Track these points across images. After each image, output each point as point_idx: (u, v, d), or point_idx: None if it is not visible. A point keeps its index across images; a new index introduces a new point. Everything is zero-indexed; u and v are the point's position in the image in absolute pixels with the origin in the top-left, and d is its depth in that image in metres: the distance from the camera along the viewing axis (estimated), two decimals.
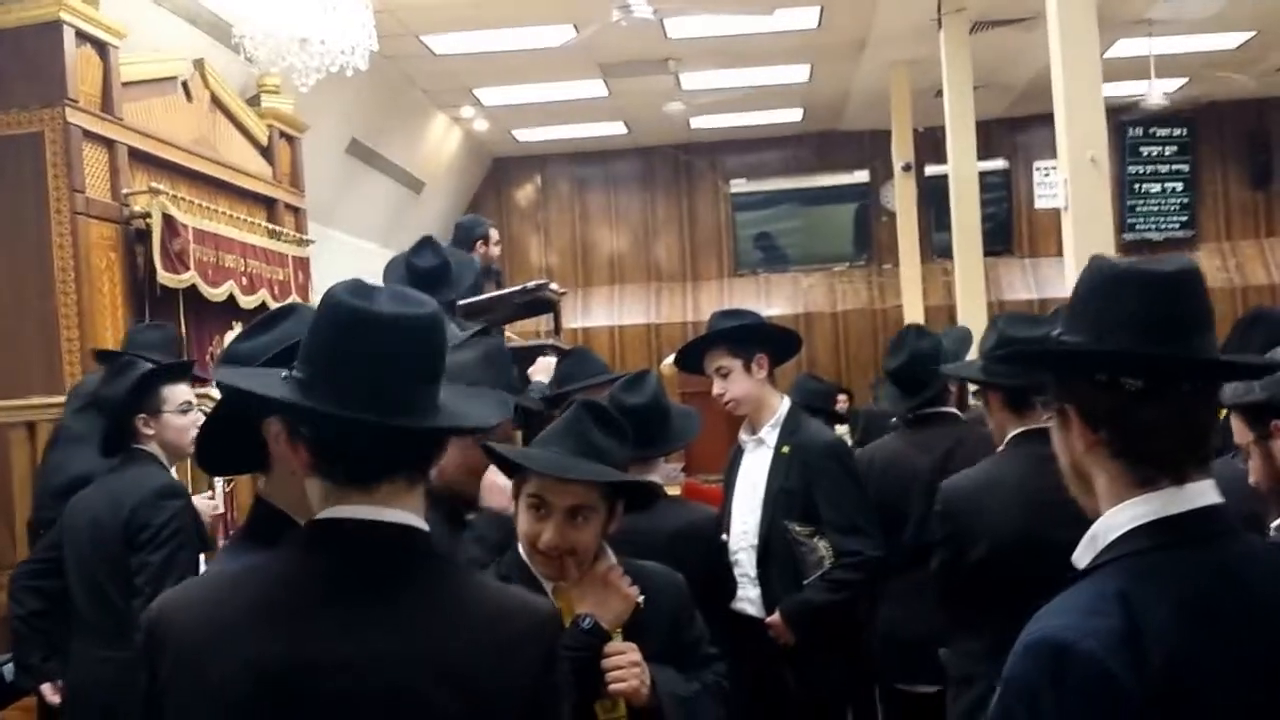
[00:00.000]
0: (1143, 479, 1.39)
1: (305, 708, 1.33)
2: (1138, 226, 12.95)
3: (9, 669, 3.92)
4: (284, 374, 1.44)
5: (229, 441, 1.82)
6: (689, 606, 2.38)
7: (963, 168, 8.62)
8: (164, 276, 5.58)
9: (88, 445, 3.68)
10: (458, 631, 1.38)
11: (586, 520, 2.16)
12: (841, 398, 10.31)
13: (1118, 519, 1.40)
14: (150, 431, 3.48)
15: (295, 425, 1.43)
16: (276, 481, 1.82)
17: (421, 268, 4.75)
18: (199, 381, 3.87)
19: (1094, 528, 1.43)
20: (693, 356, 3.62)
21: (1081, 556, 1.43)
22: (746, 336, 3.53)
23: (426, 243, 4.94)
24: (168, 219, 5.61)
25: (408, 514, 1.42)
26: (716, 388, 3.54)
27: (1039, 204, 12.30)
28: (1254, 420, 2.21)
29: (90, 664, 3.42)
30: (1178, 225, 13.05)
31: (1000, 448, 3.07)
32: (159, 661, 1.40)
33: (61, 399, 4.37)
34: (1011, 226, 12.94)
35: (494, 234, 6.38)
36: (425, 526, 1.44)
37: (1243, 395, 2.18)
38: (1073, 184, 5.57)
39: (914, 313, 10.67)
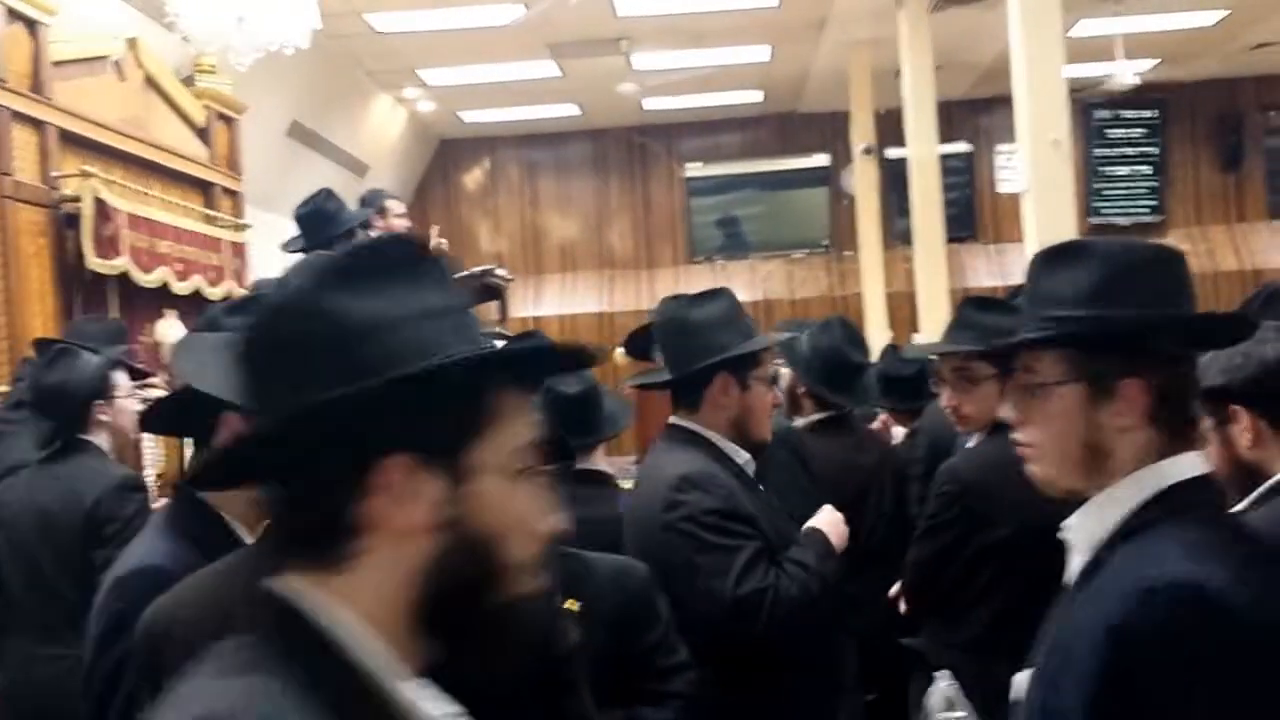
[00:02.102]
0: (1180, 445, 1.51)
1: None
2: (1104, 211, 13.14)
3: None
4: None
5: (181, 410, 1.90)
6: (649, 604, 2.27)
7: (923, 151, 8.75)
8: (95, 262, 5.58)
9: (17, 436, 3.71)
10: None
11: None
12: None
13: (1171, 470, 1.49)
14: (105, 418, 3.52)
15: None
16: None
17: (301, 214, 4.97)
18: (134, 373, 3.89)
19: (1122, 486, 1.50)
20: (642, 343, 3.69)
21: (1082, 528, 1.52)
22: None
23: (319, 192, 5.05)
24: (99, 203, 5.61)
25: None
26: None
27: (1001, 188, 12.49)
28: (1212, 405, 2.19)
29: (31, 662, 3.42)
30: (1146, 210, 13.24)
31: (984, 433, 3.07)
32: (162, 669, 1.41)
33: None
34: (975, 211, 13.12)
35: (394, 205, 6.14)
36: None
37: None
38: (1033, 167, 5.70)
39: (874, 300, 10.82)
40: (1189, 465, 1.50)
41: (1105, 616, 1.38)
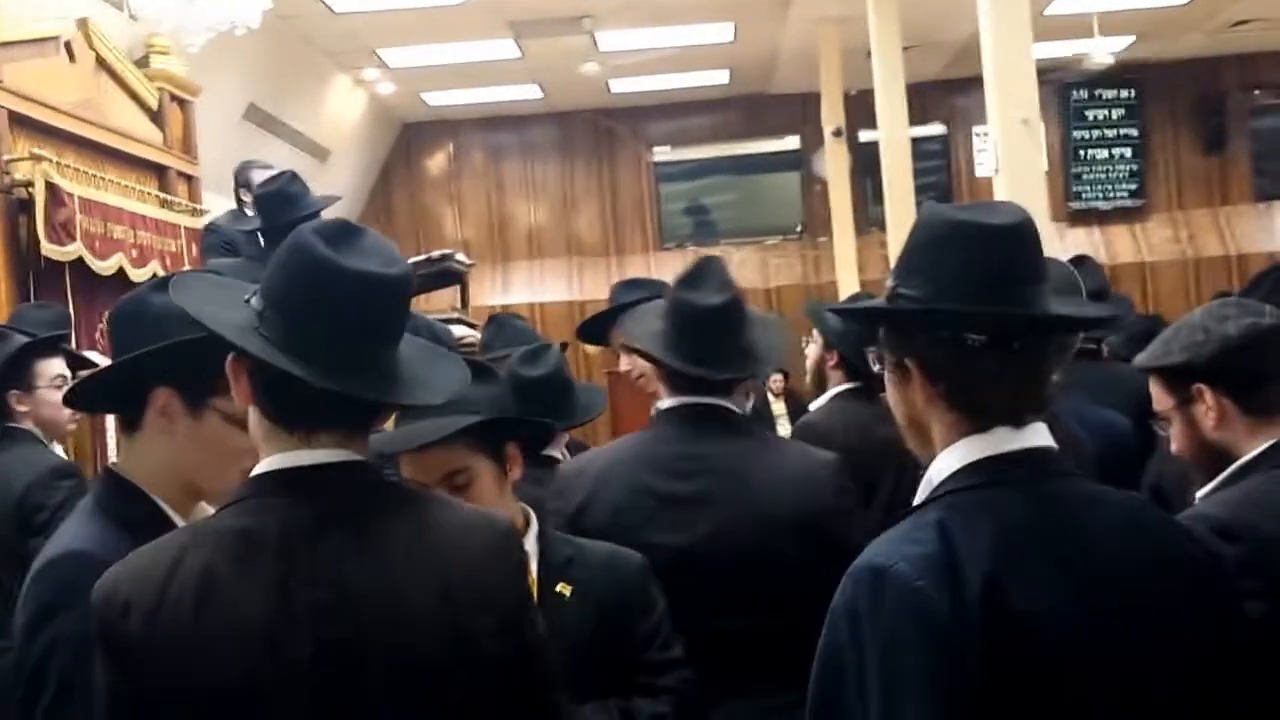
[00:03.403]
0: (980, 426, 1.52)
1: (315, 651, 1.44)
2: (1084, 195, 13.25)
3: None
4: (246, 298, 1.55)
5: (111, 387, 1.94)
6: (642, 592, 2.26)
7: (894, 133, 8.82)
8: (48, 249, 5.61)
9: None
10: (442, 552, 1.51)
11: (471, 481, 2.09)
12: (776, 378, 10.54)
13: (950, 459, 1.54)
14: (24, 408, 3.53)
15: (241, 358, 1.54)
16: (137, 449, 1.90)
17: (264, 192, 4.99)
18: (80, 362, 3.90)
19: (929, 471, 1.57)
20: (597, 330, 3.76)
21: (918, 498, 1.57)
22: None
23: (280, 174, 5.10)
24: (51, 188, 5.64)
25: (348, 452, 1.53)
26: (624, 363, 3.62)
27: (978, 171, 12.61)
28: (1174, 384, 2.19)
29: None
30: (1127, 194, 13.32)
31: None
32: (124, 643, 1.46)
33: None
34: (952, 196, 13.19)
35: (259, 173, 5.87)
36: (364, 458, 1.56)
37: (1161, 357, 2.19)
38: (1004, 148, 5.77)
39: (849, 288, 10.87)
40: (996, 441, 1.51)
41: (834, 597, 1.48)
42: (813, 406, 3.97)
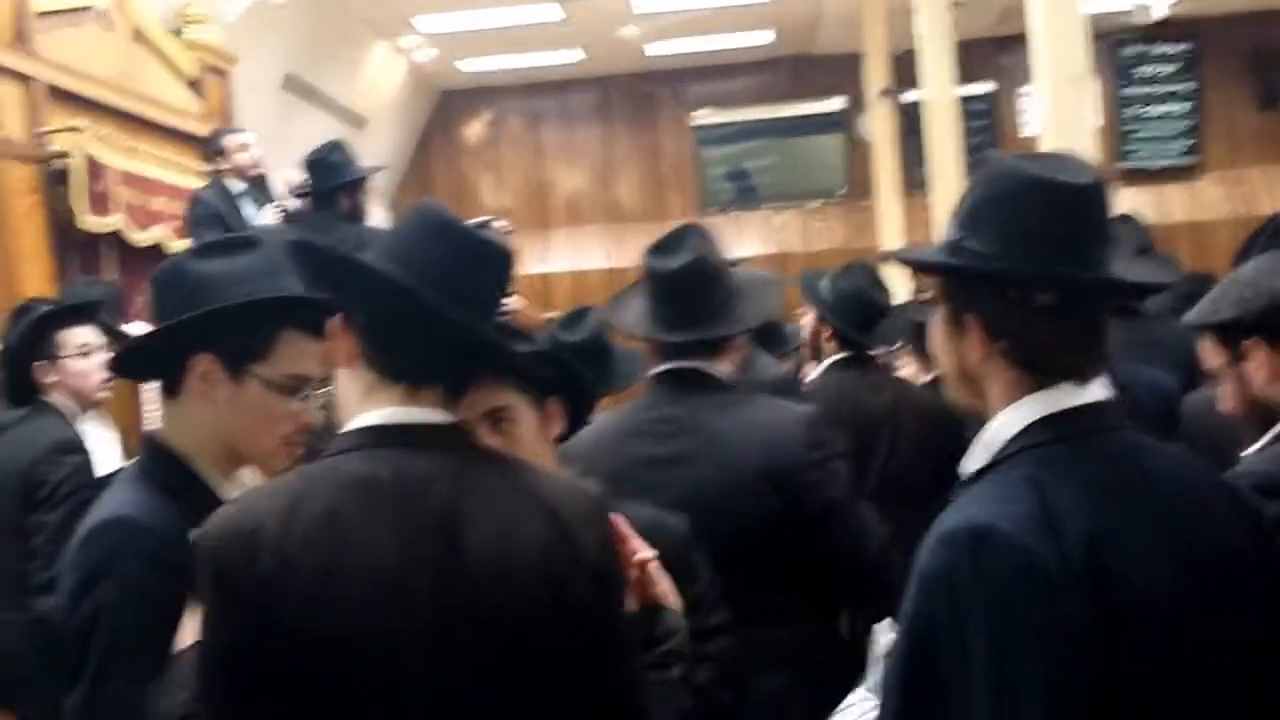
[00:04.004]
0: (1043, 383, 1.52)
1: (435, 597, 1.49)
2: (1136, 154, 13.08)
3: None
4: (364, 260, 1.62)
5: (151, 354, 1.96)
6: (685, 559, 2.26)
7: (939, 93, 8.72)
8: (88, 221, 5.69)
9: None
10: (542, 511, 1.57)
11: (514, 423, 2.04)
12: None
13: (1014, 416, 1.53)
14: (52, 379, 3.56)
15: (350, 315, 1.61)
16: (178, 416, 1.92)
17: (317, 156, 5.14)
18: (113, 334, 3.89)
19: (987, 431, 1.56)
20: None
21: (974, 461, 1.56)
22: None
23: (331, 142, 5.22)
24: (90, 159, 5.71)
25: (449, 414, 1.62)
26: None
27: (1024, 131, 12.47)
28: (1225, 341, 2.19)
29: None
30: (1180, 152, 13.13)
31: None
32: (248, 587, 1.48)
33: None
34: None
35: (233, 140, 6.03)
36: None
37: (1210, 314, 2.19)
38: (1051, 106, 5.70)
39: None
40: (1062, 396, 1.52)
41: (919, 562, 1.47)
42: (808, 378, 3.99)
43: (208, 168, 6.03)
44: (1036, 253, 1.49)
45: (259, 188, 5.98)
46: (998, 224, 1.52)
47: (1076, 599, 1.38)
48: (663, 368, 2.70)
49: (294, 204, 5.87)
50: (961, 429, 3.81)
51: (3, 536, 3.46)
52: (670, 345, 2.67)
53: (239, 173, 5.89)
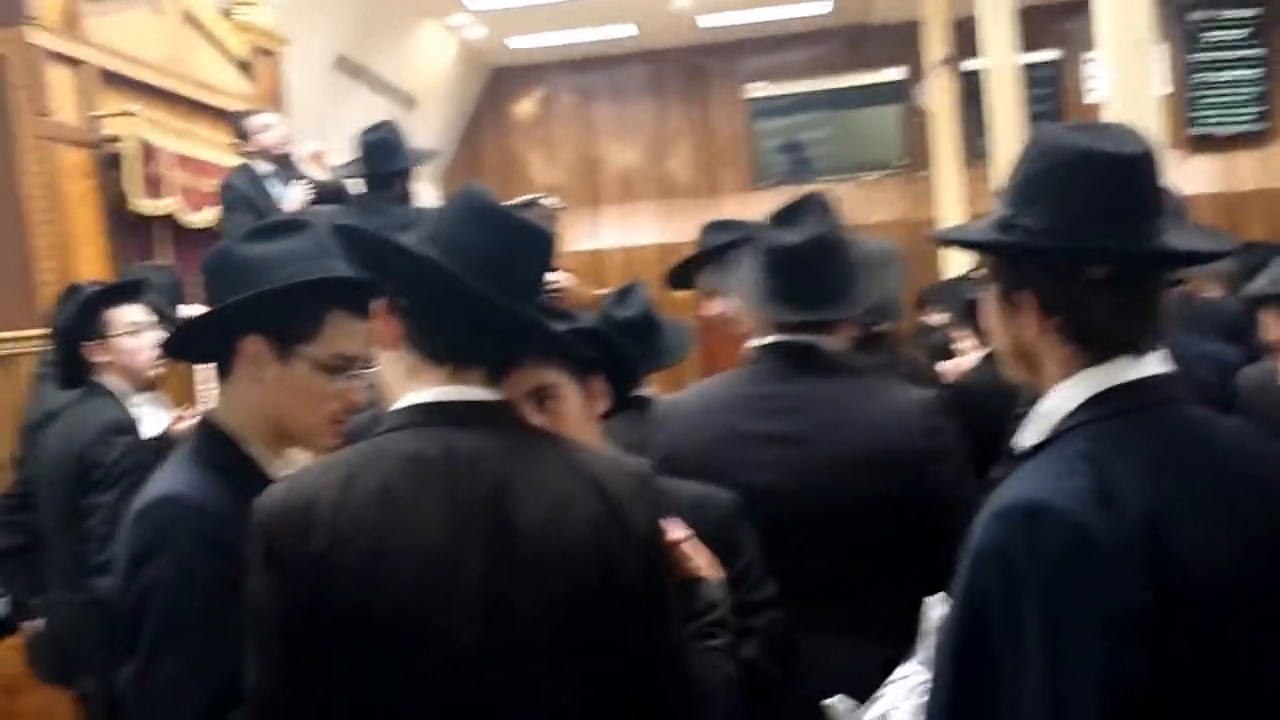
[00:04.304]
0: (1100, 357, 1.51)
1: (486, 571, 1.53)
2: (1205, 121, 12.88)
3: (3, 603, 4.14)
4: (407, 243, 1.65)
5: (202, 336, 2.01)
6: (731, 534, 2.27)
7: (1001, 60, 8.63)
8: (142, 203, 5.78)
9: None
10: (590, 486, 1.60)
11: (559, 401, 2.04)
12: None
13: (1071, 391, 1.52)
14: (103, 359, 3.59)
15: (393, 298, 1.65)
16: (229, 396, 1.97)
17: (372, 139, 5.07)
18: (161, 314, 3.93)
19: (1043, 405, 1.55)
20: (685, 275, 3.73)
21: (1029, 435, 1.55)
22: (739, 250, 3.61)
23: (380, 123, 5.20)
24: (143, 143, 5.80)
25: (494, 392, 1.66)
26: (711, 307, 3.63)
27: (1089, 99, 12.31)
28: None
29: (54, 606, 3.64)
30: (1250, 118, 12.90)
31: None
32: (303, 560, 1.52)
33: (38, 333, 4.57)
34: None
35: (257, 122, 6.05)
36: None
37: (1269, 286, 2.22)
38: (1115, 73, 5.62)
39: (953, 223, 10.73)
40: (1119, 370, 1.51)
41: (973, 538, 1.46)
42: None
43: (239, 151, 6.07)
44: (1088, 226, 1.48)
45: (286, 166, 6.02)
46: (1048, 198, 1.51)
47: (1133, 577, 1.37)
48: (771, 340, 2.59)
49: (319, 177, 5.94)
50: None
51: (60, 519, 3.55)
52: (777, 319, 2.57)
53: (266, 153, 5.93)
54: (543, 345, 1.80)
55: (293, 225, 2.01)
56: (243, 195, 5.60)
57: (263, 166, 5.83)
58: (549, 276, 5.03)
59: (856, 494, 2.46)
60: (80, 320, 3.55)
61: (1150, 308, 1.53)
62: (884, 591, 2.45)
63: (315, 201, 5.85)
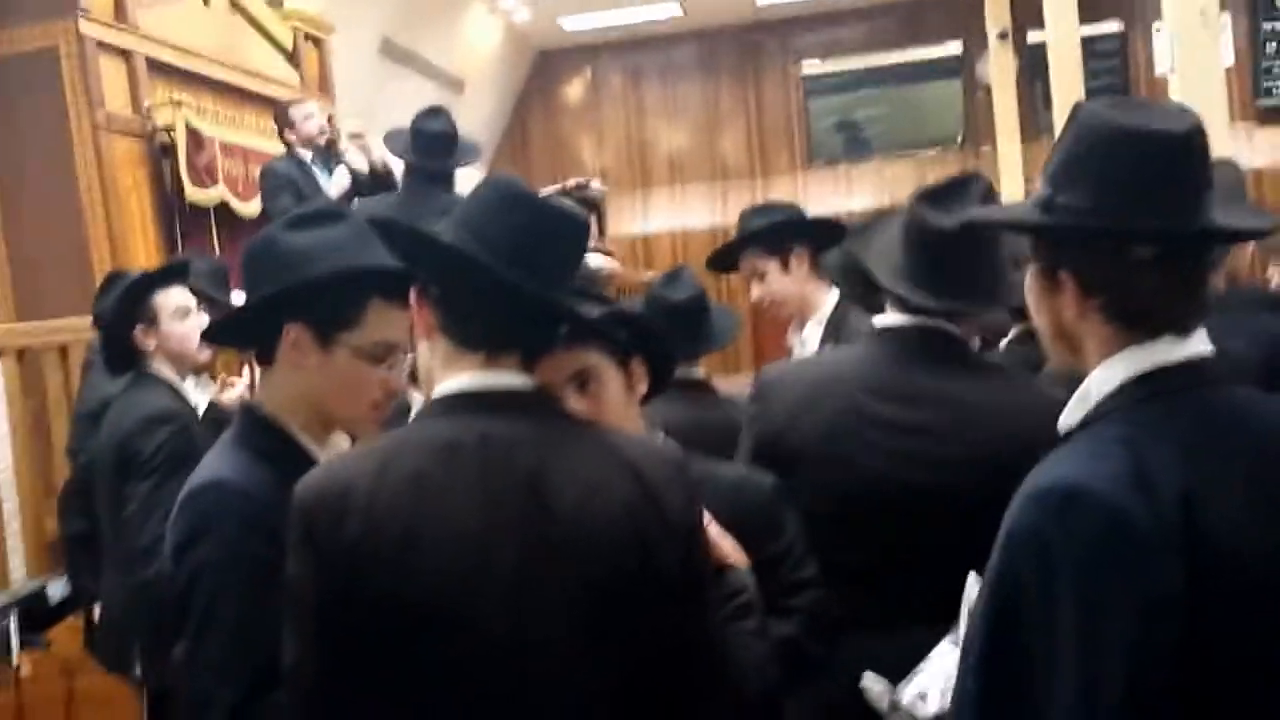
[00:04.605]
0: (1143, 337, 1.51)
1: (519, 555, 1.56)
2: (1273, 92, 12.69)
3: (55, 588, 4.23)
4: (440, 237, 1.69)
5: (245, 324, 2.06)
6: (772, 515, 2.28)
7: (1062, 33, 8.55)
8: (192, 192, 5.88)
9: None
10: (625, 471, 1.63)
11: (599, 385, 2.04)
12: None
13: (1112, 372, 1.52)
14: (152, 343, 3.61)
15: (425, 288, 1.70)
16: (272, 383, 2.01)
17: (428, 130, 5.01)
18: (206, 298, 3.96)
19: (1085, 385, 1.55)
20: (726, 259, 3.71)
21: (1070, 416, 1.55)
22: (780, 233, 3.57)
23: (437, 110, 5.16)
24: (192, 132, 5.90)
25: (527, 378, 1.69)
26: (754, 291, 3.63)
27: (1157, 70, 12.14)
28: None
29: (110, 589, 3.71)
30: None
31: None
32: (339, 545, 1.56)
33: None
34: (1129, 96, 12.78)
35: (299, 112, 6.07)
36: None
37: None
38: (1180, 44, 5.57)
39: (1014, 198, 10.64)
40: (1162, 351, 1.51)
41: (1009, 519, 1.47)
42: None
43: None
44: (1131, 206, 1.47)
45: (327, 154, 6.10)
46: (1090, 177, 1.50)
47: (1168, 560, 1.37)
48: (902, 321, 2.44)
49: (358, 161, 6.01)
50: None
51: (109, 507, 3.62)
52: (914, 303, 2.41)
53: (307, 141, 6.00)
54: (574, 328, 1.82)
55: (333, 214, 2.05)
56: (287, 179, 5.68)
57: (305, 154, 5.91)
58: (595, 261, 5.07)
59: (983, 496, 2.33)
60: (128, 306, 3.58)
61: (1194, 287, 1.52)
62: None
63: (356, 186, 5.91)
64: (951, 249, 2.37)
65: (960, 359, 2.44)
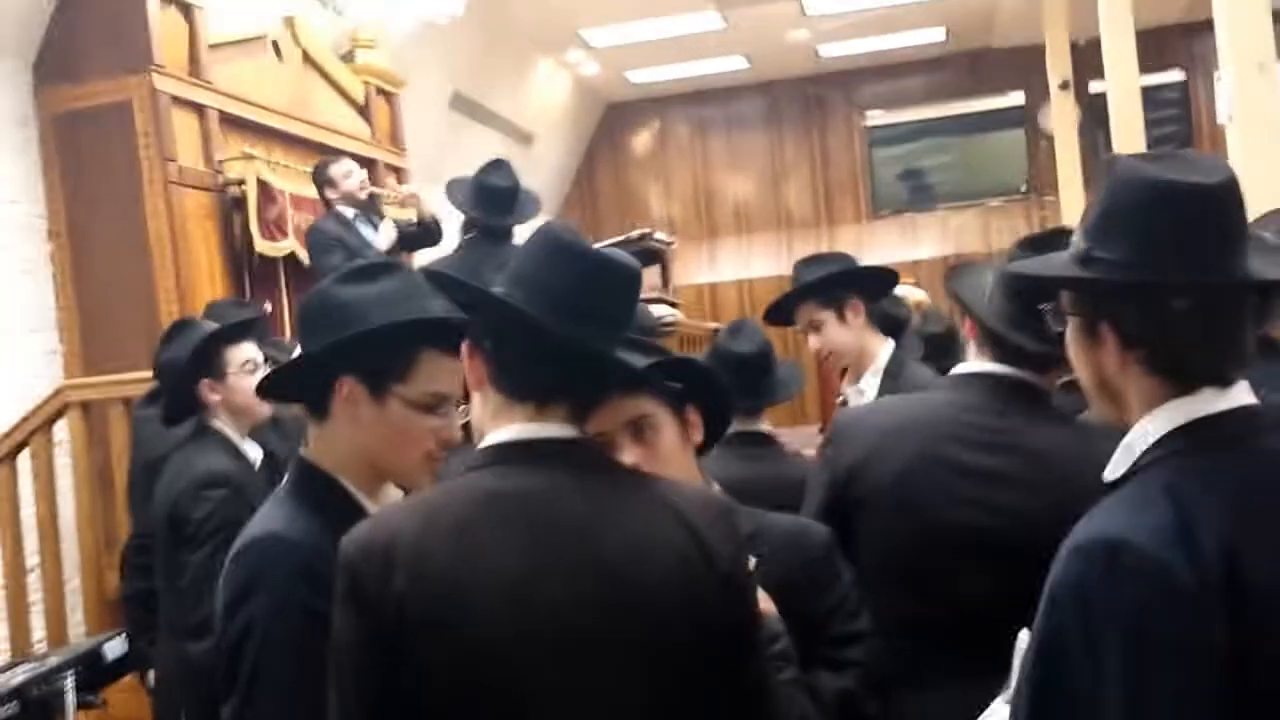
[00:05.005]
0: (1185, 388, 1.50)
1: (567, 605, 1.54)
2: None
3: (112, 646, 4.19)
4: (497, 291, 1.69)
5: (299, 377, 2.06)
6: (828, 567, 2.26)
7: (1123, 82, 8.48)
8: (262, 245, 5.95)
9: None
10: (674, 520, 1.62)
11: (656, 432, 2.04)
12: None
13: (1155, 424, 1.51)
14: (217, 397, 3.54)
15: (479, 339, 1.70)
16: (325, 436, 2.01)
17: (491, 184, 5.01)
18: (271, 350, 3.91)
19: (1128, 437, 1.54)
20: (782, 311, 3.69)
21: (1114, 468, 1.55)
22: (835, 284, 3.57)
23: (501, 164, 5.17)
24: (263, 185, 5.98)
25: (576, 429, 1.68)
26: (812, 343, 3.61)
27: (1220, 119, 12.00)
28: None
29: (165, 654, 3.58)
30: None
31: None
32: (384, 594, 1.54)
33: None
34: (1192, 145, 12.59)
35: (339, 170, 5.98)
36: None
37: None
38: (1238, 94, 5.52)
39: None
40: (1204, 402, 1.50)
41: (1054, 573, 1.45)
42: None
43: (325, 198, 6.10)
44: (1169, 258, 1.47)
45: (371, 209, 6.08)
46: (1128, 231, 1.50)
47: (1212, 613, 1.36)
48: (983, 369, 2.42)
49: (404, 216, 6.01)
50: None
51: (162, 572, 3.55)
52: (998, 347, 2.39)
53: (349, 198, 5.93)
54: (624, 380, 1.81)
55: (384, 267, 2.05)
56: (335, 237, 5.67)
57: (348, 211, 5.89)
58: (659, 311, 5.07)
59: (1051, 546, 2.29)
60: (199, 358, 3.53)
61: (1235, 338, 1.51)
62: None
63: (402, 240, 5.91)
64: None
65: (1043, 409, 2.39)
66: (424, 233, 6.07)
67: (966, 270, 2.63)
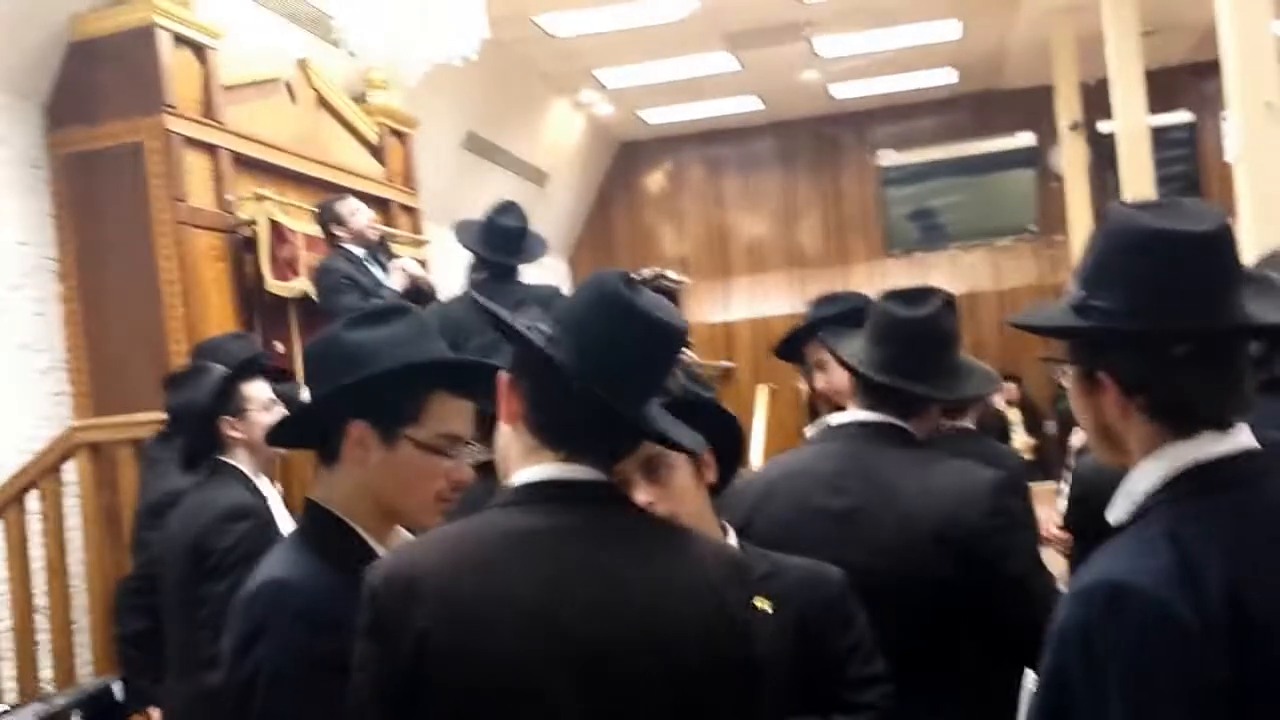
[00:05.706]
0: (1184, 433, 1.49)
1: (590, 642, 1.53)
2: None
3: (120, 687, 4.13)
4: (531, 327, 1.67)
5: (308, 423, 2.02)
6: (842, 609, 2.27)
7: (1131, 123, 8.49)
8: (274, 285, 5.91)
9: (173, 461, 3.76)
10: (692, 563, 1.64)
11: (671, 471, 2.05)
12: (1010, 386, 10.23)
13: (1155, 468, 1.50)
14: (238, 435, 3.51)
15: (518, 379, 1.67)
16: (336, 480, 1.96)
17: (502, 225, 4.95)
18: (272, 375, 3.85)
19: (1128, 482, 1.53)
20: (793, 346, 3.66)
21: (1116, 512, 1.53)
22: (848, 321, 3.53)
23: (511, 206, 5.11)
24: (275, 225, 5.94)
25: (603, 474, 1.66)
26: (818, 381, 3.51)
27: (1227, 158, 11.95)
28: None
29: (176, 689, 3.52)
30: None
31: None
32: (407, 628, 1.52)
33: None
34: (1200, 184, 12.54)
35: (346, 207, 5.90)
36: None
37: None
38: (1245, 134, 5.51)
39: None
40: (1204, 446, 1.49)
41: (1056, 617, 1.45)
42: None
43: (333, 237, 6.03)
44: (1165, 305, 1.47)
45: (380, 249, 5.99)
46: (1124, 279, 1.50)
47: (1216, 655, 1.36)
48: (851, 418, 2.57)
49: (412, 266, 5.95)
50: None
51: (176, 606, 3.49)
52: (874, 395, 2.53)
53: (359, 238, 5.85)
54: (657, 442, 1.77)
55: (393, 311, 2.03)
56: (346, 276, 5.61)
57: (358, 250, 5.83)
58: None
59: (922, 575, 2.40)
60: (221, 397, 3.50)
61: (1234, 381, 1.51)
62: (950, 664, 2.42)
63: (405, 296, 5.83)
64: (923, 340, 2.50)
65: (899, 445, 2.52)
66: (419, 295, 5.98)
67: (846, 332, 2.75)
